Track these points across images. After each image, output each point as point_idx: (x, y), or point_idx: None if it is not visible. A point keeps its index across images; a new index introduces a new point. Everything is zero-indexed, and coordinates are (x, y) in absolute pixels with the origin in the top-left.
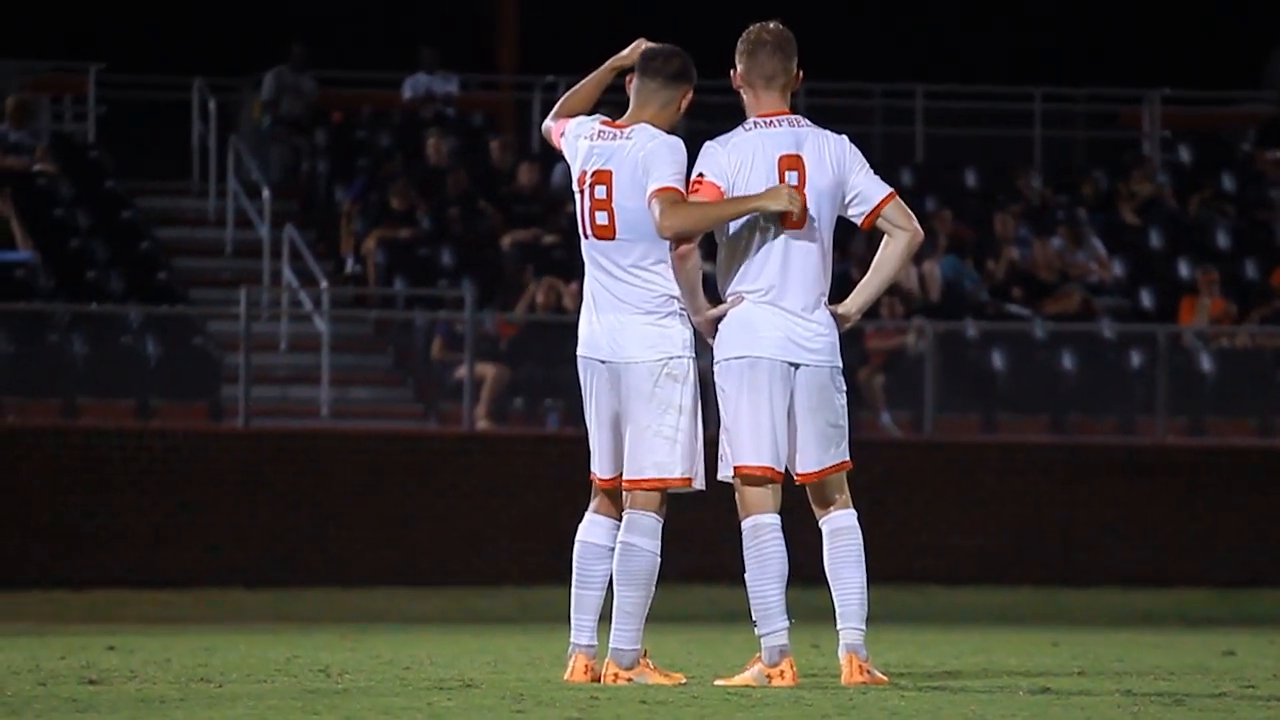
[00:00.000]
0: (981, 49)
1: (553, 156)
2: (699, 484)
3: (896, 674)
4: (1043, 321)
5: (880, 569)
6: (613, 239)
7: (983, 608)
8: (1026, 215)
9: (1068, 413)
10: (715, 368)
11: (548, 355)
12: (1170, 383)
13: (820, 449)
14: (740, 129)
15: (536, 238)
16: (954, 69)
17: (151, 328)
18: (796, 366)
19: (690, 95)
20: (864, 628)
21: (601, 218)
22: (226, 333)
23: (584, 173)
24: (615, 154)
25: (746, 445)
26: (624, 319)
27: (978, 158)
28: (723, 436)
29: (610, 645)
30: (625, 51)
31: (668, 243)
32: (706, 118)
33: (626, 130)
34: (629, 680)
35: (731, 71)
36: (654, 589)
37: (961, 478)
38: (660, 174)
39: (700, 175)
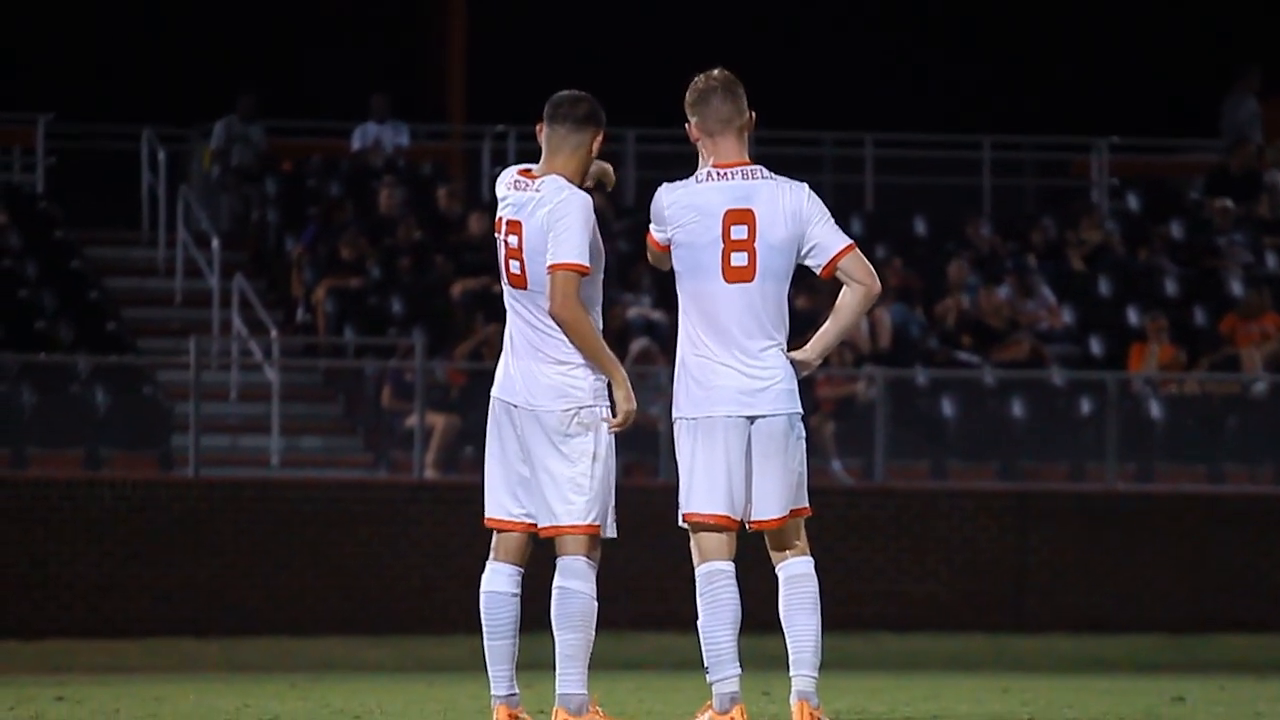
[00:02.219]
0: (931, 97)
1: None
2: (610, 532)
3: None
4: (992, 369)
5: (831, 616)
6: (525, 289)
7: (933, 654)
8: (976, 263)
9: (1018, 459)
10: (673, 423)
11: None
12: (1119, 429)
13: (780, 496)
14: (693, 179)
15: (486, 286)
16: (903, 118)
17: (100, 377)
18: (753, 420)
19: (600, 139)
20: (816, 675)
21: (515, 267)
22: (176, 382)
23: (500, 220)
24: (525, 205)
25: (701, 493)
26: (537, 367)
27: (927, 206)
28: (681, 484)
29: (557, 692)
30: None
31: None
32: (658, 167)
33: (536, 182)
34: None
35: (687, 125)
36: (593, 633)
37: (912, 524)
38: (560, 246)
39: (649, 231)
